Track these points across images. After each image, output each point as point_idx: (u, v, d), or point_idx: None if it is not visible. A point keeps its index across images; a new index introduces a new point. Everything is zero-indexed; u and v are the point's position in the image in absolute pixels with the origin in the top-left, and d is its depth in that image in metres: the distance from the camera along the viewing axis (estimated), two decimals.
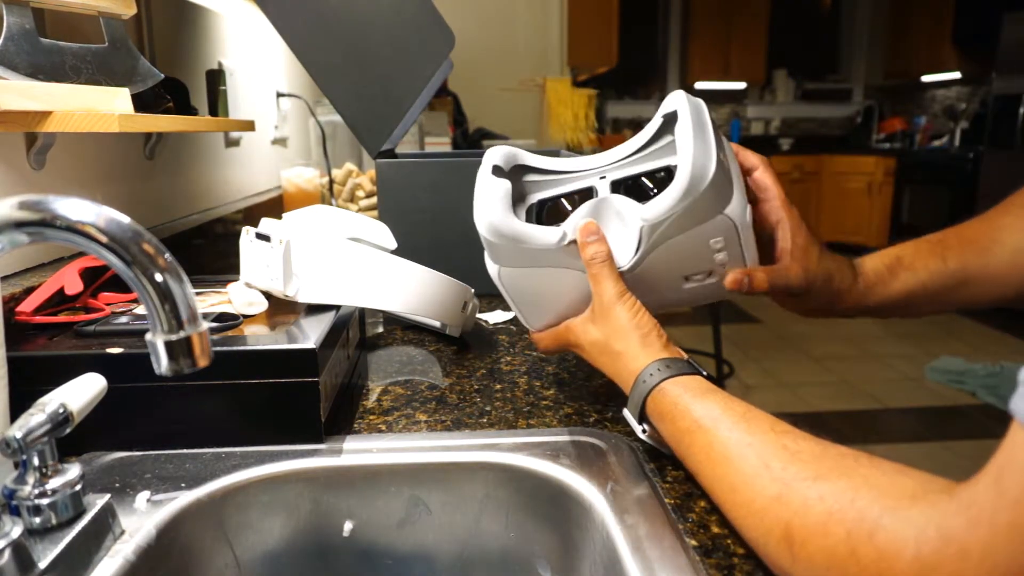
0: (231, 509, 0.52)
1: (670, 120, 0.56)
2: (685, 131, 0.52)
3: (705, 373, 0.51)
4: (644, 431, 0.52)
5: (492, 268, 0.58)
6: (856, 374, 3.21)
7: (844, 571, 0.33)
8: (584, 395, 0.67)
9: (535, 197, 0.61)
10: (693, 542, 0.44)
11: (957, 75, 5.31)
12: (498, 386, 0.69)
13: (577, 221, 0.55)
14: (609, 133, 5.68)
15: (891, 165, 5.36)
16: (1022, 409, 0.27)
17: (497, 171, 0.57)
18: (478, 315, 0.94)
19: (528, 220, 0.59)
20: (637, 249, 0.54)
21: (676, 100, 0.54)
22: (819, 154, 5.71)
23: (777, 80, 6.20)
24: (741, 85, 6.08)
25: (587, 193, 0.59)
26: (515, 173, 0.60)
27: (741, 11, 5.79)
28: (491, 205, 0.54)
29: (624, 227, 0.55)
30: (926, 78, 5.60)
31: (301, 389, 0.55)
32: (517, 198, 0.61)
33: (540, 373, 0.73)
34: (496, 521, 0.55)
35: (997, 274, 0.60)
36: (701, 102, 0.55)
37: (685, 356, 0.52)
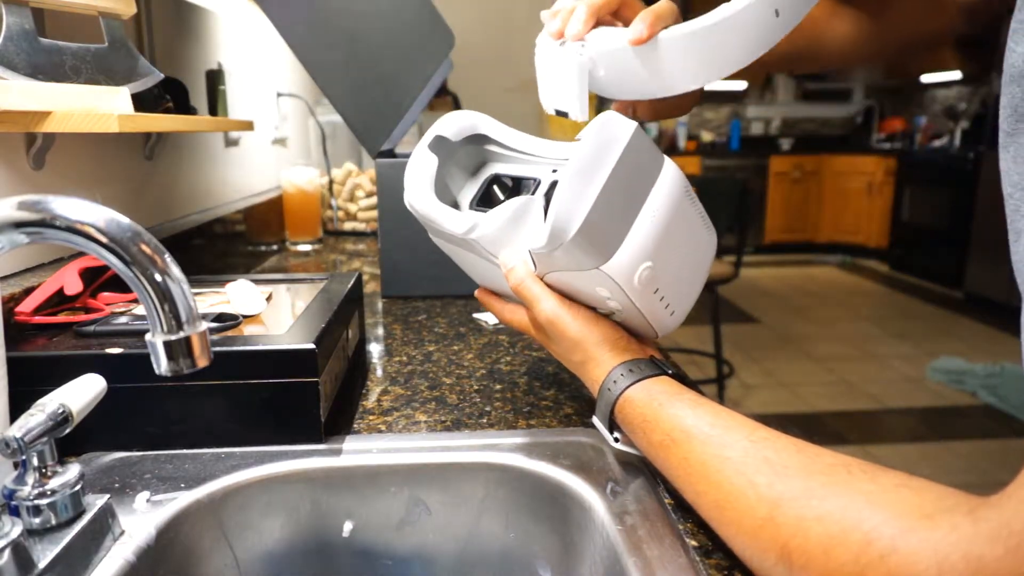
0: (231, 509, 0.52)
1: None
2: (568, 172, 0.45)
3: (671, 371, 0.49)
4: (616, 440, 0.51)
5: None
6: (856, 374, 3.21)
7: None
8: (584, 395, 0.67)
9: (494, 168, 0.60)
10: (693, 542, 0.44)
11: (957, 75, 5.30)
12: (498, 386, 0.69)
13: (491, 219, 0.51)
14: None
15: (891, 165, 5.36)
16: None
17: (438, 143, 0.56)
18: (477, 315, 0.94)
19: (485, 192, 0.59)
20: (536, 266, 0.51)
21: (591, 128, 0.46)
22: (819, 154, 5.71)
23: (777, 80, 6.19)
24: (741, 85, 6.07)
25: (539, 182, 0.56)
26: (476, 140, 0.59)
27: None
28: (413, 180, 0.54)
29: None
30: (926, 78, 5.59)
31: (301, 389, 0.55)
32: (478, 165, 0.60)
33: (540, 373, 0.73)
34: (496, 521, 0.55)
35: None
36: (629, 132, 0.47)
37: (648, 354, 0.50)
